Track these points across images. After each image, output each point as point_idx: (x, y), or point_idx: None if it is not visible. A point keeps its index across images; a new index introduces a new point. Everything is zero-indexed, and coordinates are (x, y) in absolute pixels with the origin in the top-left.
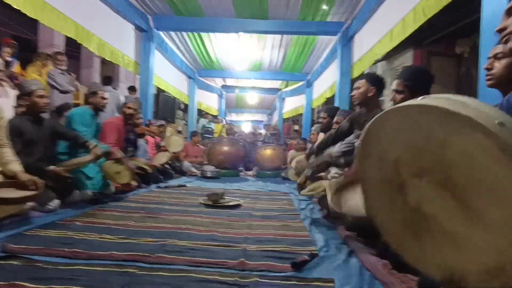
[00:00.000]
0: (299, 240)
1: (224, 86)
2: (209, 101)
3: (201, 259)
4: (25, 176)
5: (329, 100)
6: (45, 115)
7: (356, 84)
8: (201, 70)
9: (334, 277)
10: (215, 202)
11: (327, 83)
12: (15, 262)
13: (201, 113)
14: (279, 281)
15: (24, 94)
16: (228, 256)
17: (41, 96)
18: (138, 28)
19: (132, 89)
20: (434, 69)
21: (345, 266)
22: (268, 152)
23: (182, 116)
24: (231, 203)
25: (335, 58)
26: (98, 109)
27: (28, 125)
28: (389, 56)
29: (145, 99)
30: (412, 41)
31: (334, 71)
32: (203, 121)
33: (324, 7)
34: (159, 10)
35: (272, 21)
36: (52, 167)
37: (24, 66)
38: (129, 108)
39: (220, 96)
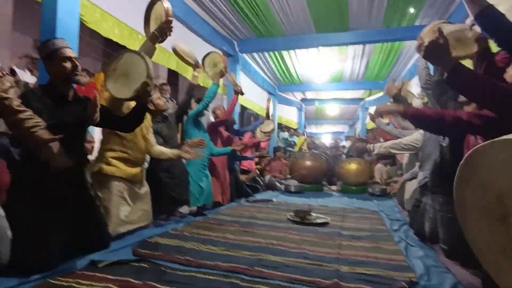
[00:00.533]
0: (394, 265)
1: (303, 100)
2: (288, 115)
3: (296, 276)
4: None
5: None
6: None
7: None
8: (281, 86)
9: None
10: (302, 218)
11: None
12: (145, 265)
13: (280, 127)
14: None
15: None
16: (321, 275)
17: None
18: (225, 54)
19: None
20: None
21: None
22: (353, 166)
23: None
24: (318, 221)
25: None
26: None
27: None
28: None
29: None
30: None
31: None
32: (283, 134)
33: (411, 10)
34: (243, 35)
35: (353, 32)
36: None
37: None
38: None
39: (300, 109)
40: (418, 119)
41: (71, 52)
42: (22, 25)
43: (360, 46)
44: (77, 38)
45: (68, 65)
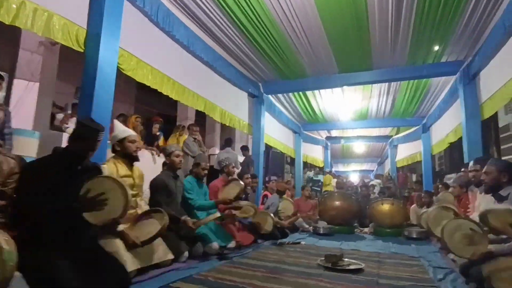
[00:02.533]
0: None
1: (328, 138)
2: (314, 153)
3: None
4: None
5: (453, 145)
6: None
7: (484, 169)
8: (306, 124)
9: None
10: (334, 264)
11: (448, 126)
12: None
13: (307, 166)
14: None
15: (166, 154)
16: None
17: (178, 155)
18: (251, 95)
19: (245, 148)
20: None
21: None
22: (385, 207)
23: (289, 170)
24: (352, 267)
25: (456, 99)
26: (199, 177)
27: (170, 180)
28: None
29: (257, 156)
30: None
31: (456, 113)
32: (309, 173)
33: (436, 48)
34: (268, 77)
35: (377, 71)
36: (184, 218)
37: (166, 138)
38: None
39: (325, 147)
40: None
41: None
42: (65, 74)
43: (385, 84)
44: (113, 84)
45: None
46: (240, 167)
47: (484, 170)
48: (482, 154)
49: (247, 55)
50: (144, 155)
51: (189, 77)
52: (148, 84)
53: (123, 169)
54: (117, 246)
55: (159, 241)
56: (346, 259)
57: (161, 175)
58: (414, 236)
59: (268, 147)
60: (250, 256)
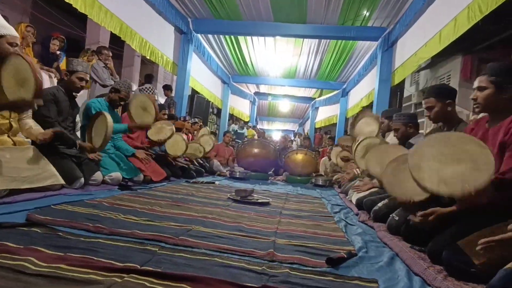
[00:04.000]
0: (333, 239)
1: (257, 93)
2: (241, 107)
3: (226, 246)
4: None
5: (364, 109)
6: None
7: (427, 104)
8: (236, 75)
9: (377, 278)
10: (243, 198)
11: (363, 91)
12: (38, 230)
13: (232, 118)
14: (313, 276)
15: (69, 70)
16: (256, 246)
17: (81, 78)
18: (178, 30)
19: (167, 87)
20: None
21: (388, 269)
22: (299, 157)
23: (215, 120)
24: (260, 201)
25: (374, 66)
26: (112, 104)
27: (62, 97)
28: (433, 64)
29: (181, 99)
30: (461, 47)
31: (372, 79)
32: (234, 126)
33: (365, 12)
34: (200, 13)
35: (310, 25)
36: (80, 142)
37: None
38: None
39: (253, 102)
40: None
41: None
42: None
43: (315, 42)
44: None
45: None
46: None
47: (393, 127)
48: None
49: None
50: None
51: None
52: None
53: None
54: None
55: (45, 163)
56: (255, 195)
57: (51, 87)
58: (320, 183)
59: (194, 92)
60: (157, 189)
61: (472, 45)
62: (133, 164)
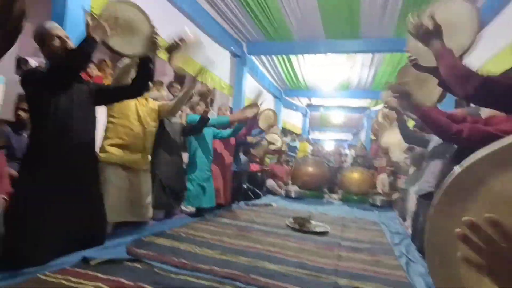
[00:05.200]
0: (394, 281)
1: (309, 105)
2: (293, 119)
3: (293, 286)
4: None
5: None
6: None
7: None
8: (287, 90)
9: None
10: (301, 226)
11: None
12: (138, 266)
13: (284, 131)
14: None
15: None
16: (319, 287)
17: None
18: (233, 55)
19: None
20: None
21: None
22: (355, 175)
23: None
24: (318, 229)
25: None
26: None
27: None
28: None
29: None
30: None
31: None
32: (286, 139)
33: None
34: (252, 36)
35: (363, 40)
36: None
37: None
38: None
39: (305, 115)
40: (427, 119)
41: (60, 30)
42: (33, 15)
43: (369, 55)
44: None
45: (56, 43)
46: None
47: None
48: None
49: (233, 11)
50: None
51: (168, 29)
52: None
53: None
54: (108, 190)
55: (148, 193)
56: (313, 222)
57: None
58: (378, 203)
59: None
60: (222, 215)
61: None
62: (213, 190)
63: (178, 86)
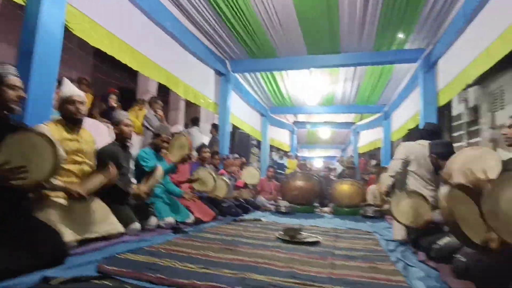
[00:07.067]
0: (394, 286)
1: (295, 122)
2: (280, 136)
3: None
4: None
5: (411, 132)
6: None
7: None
8: (273, 107)
9: None
10: (292, 237)
11: (408, 113)
12: (109, 283)
13: (272, 149)
14: None
15: (114, 123)
16: None
17: (127, 125)
18: (218, 73)
19: (215, 127)
20: None
21: None
22: (345, 187)
23: (256, 153)
24: (309, 240)
25: (416, 86)
26: (157, 149)
27: (119, 151)
28: (483, 79)
29: (223, 137)
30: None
31: (415, 100)
32: (274, 156)
33: (401, 35)
34: (236, 55)
35: (344, 55)
36: (135, 187)
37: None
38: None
39: (292, 132)
40: None
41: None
42: (5, 35)
43: (351, 69)
44: (59, 44)
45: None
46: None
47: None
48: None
49: (216, 31)
50: (100, 128)
51: (151, 47)
52: (105, 50)
53: (64, 133)
54: (53, 217)
55: (107, 212)
56: (304, 233)
57: (108, 145)
58: (370, 214)
59: (234, 128)
60: (207, 230)
61: None
62: (183, 206)
63: (160, 102)
